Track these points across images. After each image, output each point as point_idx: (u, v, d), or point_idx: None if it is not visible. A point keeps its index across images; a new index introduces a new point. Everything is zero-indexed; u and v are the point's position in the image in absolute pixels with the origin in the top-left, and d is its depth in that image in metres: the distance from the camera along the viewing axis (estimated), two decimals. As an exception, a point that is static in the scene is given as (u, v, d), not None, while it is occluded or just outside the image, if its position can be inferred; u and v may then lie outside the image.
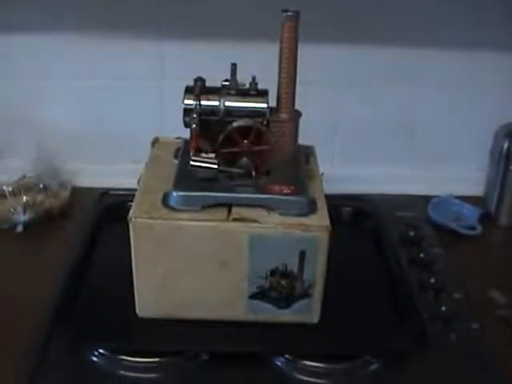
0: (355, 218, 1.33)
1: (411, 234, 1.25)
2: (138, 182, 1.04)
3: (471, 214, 1.34)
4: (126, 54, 1.34)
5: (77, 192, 1.37)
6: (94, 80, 1.36)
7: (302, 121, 1.06)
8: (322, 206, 0.98)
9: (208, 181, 0.97)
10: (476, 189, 1.41)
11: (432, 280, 1.12)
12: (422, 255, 1.19)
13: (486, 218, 1.34)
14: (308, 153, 1.13)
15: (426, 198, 1.36)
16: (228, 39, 1.29)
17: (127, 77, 1.36)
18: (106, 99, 1.38)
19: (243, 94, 1.01)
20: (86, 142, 1.41)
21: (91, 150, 1.42)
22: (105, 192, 1.35)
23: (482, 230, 1.29)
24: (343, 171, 1.39)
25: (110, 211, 1.29)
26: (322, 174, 1.08)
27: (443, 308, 1.05)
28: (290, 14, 0.99)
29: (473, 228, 1.30)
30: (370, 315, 1.05)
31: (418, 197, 1.38)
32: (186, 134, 1.02)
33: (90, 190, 1.37)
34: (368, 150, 1.42)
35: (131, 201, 0.98)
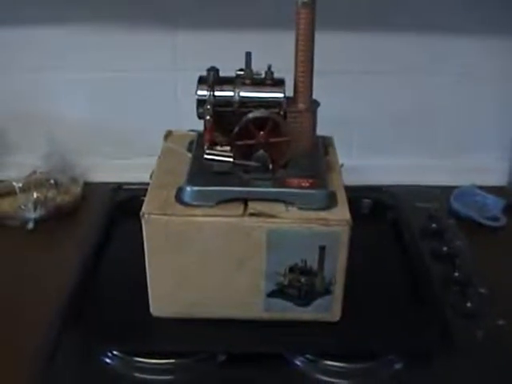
0: (375, 210, 1.30)
1: (433, 225, 1.22)
2: (151, 176, 1.01)
3: (495, 204, 1.31)
4: (138, 45, 1.31)
5: (89, 187, 1.35)
6: (105, 73, 1.34)
7: (320, 111, 1.03)
8: (342, 199, 0.95)
9: (223, 175, 0.94)
10: (499, 179, 1.39)
11: (456, 274, 1.08)
12: (444, 248, 1.15)
13: (510, 209, 1.31)
14: (327, 144, 1.10)
15: (448, 189, 1.34)
16: (242, 27, 1.26)
17: (140, 69, 1.34)
18: (118, 92, 1.36)
19: (259, 83, 0.98)
20: (98, 136, 1.39)
21: (104, 144, 1.40)
22: (118, 187, 1.33)
23: (506, 220, 1.27)
24: (362, 162, 1.36)
25: (124, 206, 1.26)
26: (342, 165, 1.05)
27: (468, 304, 1.02)
28: (305, 1, 0.96)
29: (496, 219, 1.28)
30: (392, 312, 1.02)
31: (440, 187, 1.35)
32: (201, 126, 0.99)
33: (102, 185, 1.35)
34: (387, 140, 1.40)
35: (145, 195, 0.95)
